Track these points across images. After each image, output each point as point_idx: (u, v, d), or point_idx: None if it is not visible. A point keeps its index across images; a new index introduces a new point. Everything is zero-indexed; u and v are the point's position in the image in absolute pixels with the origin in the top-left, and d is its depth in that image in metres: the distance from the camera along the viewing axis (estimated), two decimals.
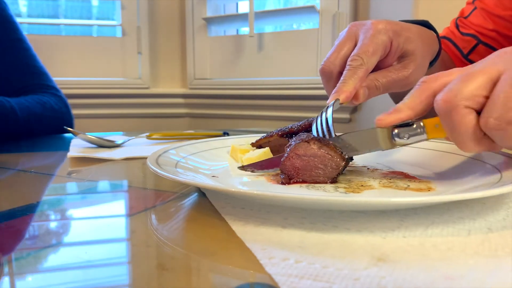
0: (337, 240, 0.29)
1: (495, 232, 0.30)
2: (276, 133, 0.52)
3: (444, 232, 0.30)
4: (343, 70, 0.48)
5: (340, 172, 0.42)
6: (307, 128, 0.50)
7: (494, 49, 0.70)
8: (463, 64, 0.73)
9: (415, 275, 0.24)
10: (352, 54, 0.48)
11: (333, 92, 0.46)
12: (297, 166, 0.42)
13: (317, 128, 0.45)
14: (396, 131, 0.41)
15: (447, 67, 0.70)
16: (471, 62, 0.72)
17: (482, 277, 0.24)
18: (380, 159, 0.53)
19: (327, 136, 0.44)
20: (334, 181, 0.42)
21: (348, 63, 0.47)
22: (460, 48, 0.73)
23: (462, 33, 0.73)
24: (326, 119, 0.45)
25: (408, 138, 0.41)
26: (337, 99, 0.45)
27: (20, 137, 0.88)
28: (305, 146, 0.42)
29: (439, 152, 0.51)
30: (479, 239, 0.29)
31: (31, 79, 1.02)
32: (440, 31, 0.74)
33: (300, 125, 0.51)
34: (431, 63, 0.57)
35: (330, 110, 0.45)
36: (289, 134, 0.51)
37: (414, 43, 0.50)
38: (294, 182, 0.42)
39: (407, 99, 0.39)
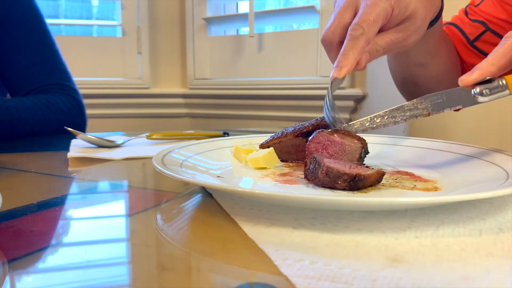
0: (349, 241, 0.29)
1: (506, 232, 0.30)
2: (291, 132, 0.51)
3: (455, 232, 0.30)
4: (343, 39, 0.47)
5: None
6: (322, 126, 0.49)
7: (501, 37, 0.69)
8: (467, 51, 0.72)
9: (433, 276, 0.24)
10: (352, 23, 0.47)
11: (334, 65, 0.46)
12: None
13: (325, 110, 0.47)
14: (477, 89, 0.42)
15: (446, 44, 0.69)
16: (476, 48, 0.71)
17: (500, 278, 0.24)
18: (385, 160, 0.53)
19: (332, 116, 0.46)
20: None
21: (348, 32, 0.46)
22: (466, 34, 0.72)
23: (470, 19, 0.73)
24: (329, 100, 0.46)
25: (489, 94, 0.42)
26: (335, 79, 0.45)
27: (20, 137, 0.88)
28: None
29: (443, 152, 0.51)
30: (491, 239, 0.29)
31: (50, 78, 1.00)
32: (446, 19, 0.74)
33: (313, 124, 0.50)
34: (432, 23, 0.57)
35: (329, 92, 0.46)
36: (304, 133, 0.50)
37: (415, 6, 0.49)
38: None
39: (490, 56, 0.41)
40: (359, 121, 0.47)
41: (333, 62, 0.48)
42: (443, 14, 0.60)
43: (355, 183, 0.38)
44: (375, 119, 0.46)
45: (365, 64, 0.47)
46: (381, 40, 0.48)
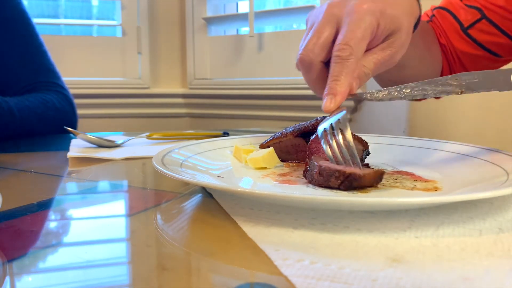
0: (349, 241, 0.29)
1: (506, 232, 0.30)
2: (291, 132, 0.51)
3: (455, 232, 0.30)
4: (324, 58, 0.44)
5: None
6: None
7: (496, 26, 0.66)
8: (459, 38, 0.69)
9: (433, 276, 0.24)
10: (338, 41, 0.42)
11: (326, 92, 0.41)
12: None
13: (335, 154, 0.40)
14: None
15: (426, 39, 0.66)
16: (469, 36, 0.68)
17: (500, 278, 0.24)
18: (385, 160, 0.53)
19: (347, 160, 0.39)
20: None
21: (335, 53, 0.42)
22: (460, 20, 0.68)
23: (466, 5, 0.68)
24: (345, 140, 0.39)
25: None
26: (343, 111, 0.41)
27: (21, 137, 0.88)
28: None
29: (443, 152, 0.51)
30: (491, 239, 0.29)
31: (38, 76, 1.01)
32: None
33: (313, 124, 0.50)
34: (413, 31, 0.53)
35: (348, 130, 0.39)
36: (304, 133, 0.50)
37: (400, 20, 0.45)
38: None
39: None
40: (387, 90, 0.44)
41: (312, 84, 0.45)
42: None
43: (350, 183, 0.37)
44: (404, 89, 0.43)
45: (356, 90, 0.42)
46: (368, 62, 0.44)
